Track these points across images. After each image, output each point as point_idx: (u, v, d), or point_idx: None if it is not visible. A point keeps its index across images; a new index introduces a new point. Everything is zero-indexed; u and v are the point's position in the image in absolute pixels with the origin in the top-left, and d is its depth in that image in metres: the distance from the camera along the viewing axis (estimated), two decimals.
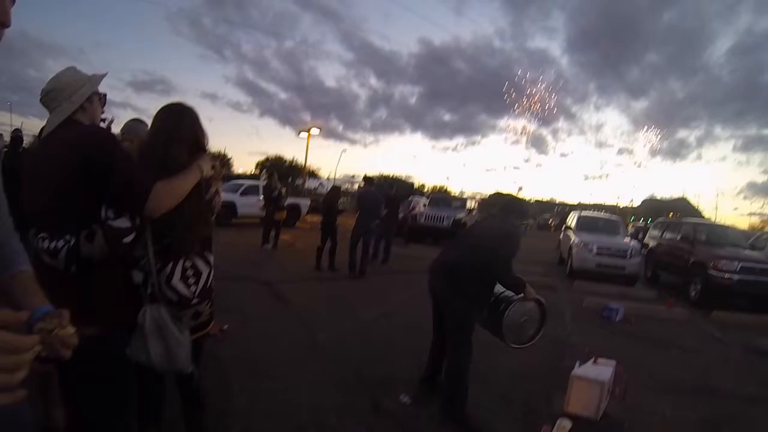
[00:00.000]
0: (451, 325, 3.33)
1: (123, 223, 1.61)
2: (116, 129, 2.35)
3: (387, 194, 10.72)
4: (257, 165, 61.46)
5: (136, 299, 1.78)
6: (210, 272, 1.96)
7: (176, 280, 1.84)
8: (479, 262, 3.21)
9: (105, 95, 1.77)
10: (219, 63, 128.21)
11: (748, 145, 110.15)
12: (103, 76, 1.75)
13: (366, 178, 9.99)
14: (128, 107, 79.18)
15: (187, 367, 1.83)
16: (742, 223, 64.24)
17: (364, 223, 8.77)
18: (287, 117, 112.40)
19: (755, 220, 62.44)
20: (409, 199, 19.34)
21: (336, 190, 10.20)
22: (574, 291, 8.99)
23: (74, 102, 1.62)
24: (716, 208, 67.59)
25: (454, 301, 3.26)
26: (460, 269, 3.28)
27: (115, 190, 1.53)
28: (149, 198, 1.56)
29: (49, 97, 1.62)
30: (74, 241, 1.49)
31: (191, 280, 1.87)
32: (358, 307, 6.29)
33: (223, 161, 56.40)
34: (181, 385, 2.13)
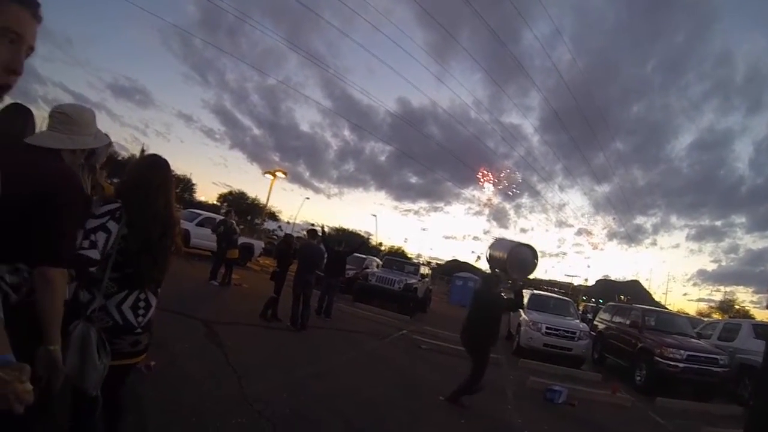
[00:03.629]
0: (479, 356, 5.83)
1: (93, 254, 1.81)
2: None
3: (334, 249, 10.79)
4: (219, 196, 60.54)
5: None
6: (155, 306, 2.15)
7: (126, 307, 2.01)
8: (492, 323, 5.97)
9: (92, 153, 1.90)
10: (200, 86, 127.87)
11: (700, 235, 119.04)
12: (107, 144, 1.91)
13: (309, 231, 10.02)
14: (103, 110, 77.13)
15: (93, 390, 1.92)
16: (691, 308, 67.02)
17: (303, 276, 8.74)
18: (257, 154, 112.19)
19: (703, 306, 65.33)
20: (364, 257, 19.40)
21: (289, 239, 10.17)
22: (519, 369, 9.01)
23: (75, 142, 1.71)
24: (667, 292, 70.72)
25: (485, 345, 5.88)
26: (482, 331, 5.93)
27: (43, 232, 1.47)
28: (51, 279, 1.48)
29: (59, 120, 1.72)
30: None
31: (141, 311, 2.06)
32: (295, 363, 6.16)
33: (186, 185, 55.43)
34: (78, 405, 2.09)
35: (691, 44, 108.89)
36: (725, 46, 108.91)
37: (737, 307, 58.10)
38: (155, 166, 2.21)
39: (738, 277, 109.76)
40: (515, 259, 6.44)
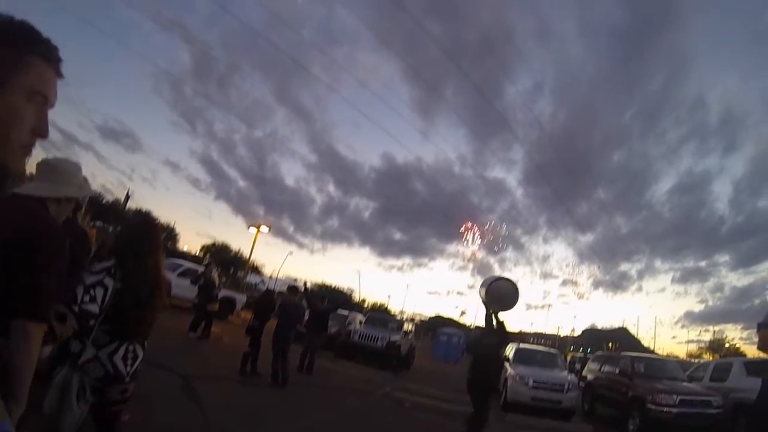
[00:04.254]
0: (483, 399, 6.36)
1: (93, 307, 1.99)
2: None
3: (317, 306, 10.74)
4: (202, 247, 59.82)
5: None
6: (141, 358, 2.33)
7: (118, 358, 2.18)
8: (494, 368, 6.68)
9: (79, 202, 2.02)
10: (189, 134, 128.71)
11: (685, 277, 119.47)
12: (90, 193, 2.04)
13: (290, 288, 10.02)
14: (90, 151, 76.65)
15: None
16: (680, 351, 66.34)
17: (283, 332, 8.64)
18: (241, 206, 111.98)
19: (693, 348, 64.57)
20: (347, 314, 19.19)
21: (269, 294, 10.08)
22: (506, 423, 8.79)
23: (60, 191, 1.76)
24: (655, 337, 70.08)
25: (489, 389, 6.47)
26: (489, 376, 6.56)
27: (23, 283, 1.39)
28: (28, 333, 1.41)
29: (45, 171, 1.79)
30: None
31: (129, 362, 2.23)
32: (275, 421, 5.98)
33: (169, 234, 54.90)
34: None
35: (667, 90, 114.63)
36: (699, 91, 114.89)
37: (727, 345, 57.93)
38: (147, 228, 2.47)
39: (726, 315, 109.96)
40: (495, 293, 6.58)
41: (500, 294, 6.69)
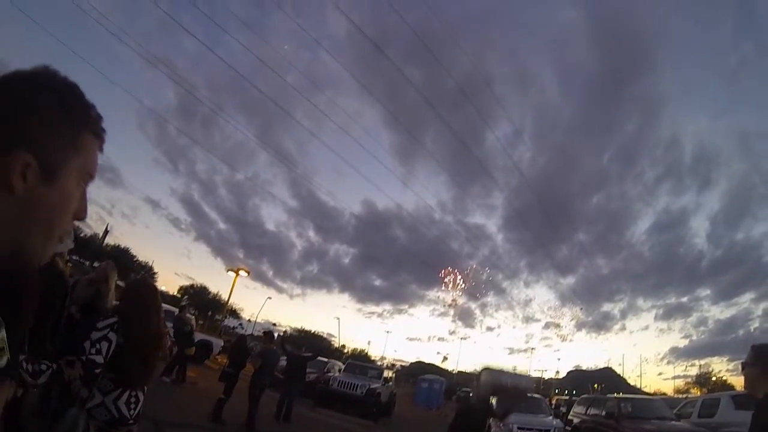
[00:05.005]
0: None
1: (99, 359, 2.29)
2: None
3: (296, 354, 10.71)
4: (180, 288, 58.62)
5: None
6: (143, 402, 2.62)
7: (122, 403, 2.47)
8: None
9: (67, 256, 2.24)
10: (171, 173, 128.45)
11: (668, 313, 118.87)
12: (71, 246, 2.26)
13: (266, 333, 9.98)
14: None
15: None
16: (667, 387, 66.08)
17: (260, 380, 8.53)
18: (221, 249, 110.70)
19: (679, 383, 64.51)
20: (326, 361, 18.90)
21: (243, 340, 9.93)
22: None
23: None
24: (641, 375, 69.27)
25: None
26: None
27: None
28: None
29: None
30: (57, 366, 1.96)
31: (132, 406, 2.52)
32: None
33: (147, 272, 53.68)
34: None
35: (642, 132, 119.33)
36: (673, 131, 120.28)
37: (714, 378, 57.57)
38: (148, 294, 2.79)
39: (711, 348, 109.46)
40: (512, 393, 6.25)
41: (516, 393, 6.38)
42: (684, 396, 18.28)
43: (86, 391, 2.43)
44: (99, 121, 0.69)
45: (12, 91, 0.60)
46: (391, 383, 18.30)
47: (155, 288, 2.90)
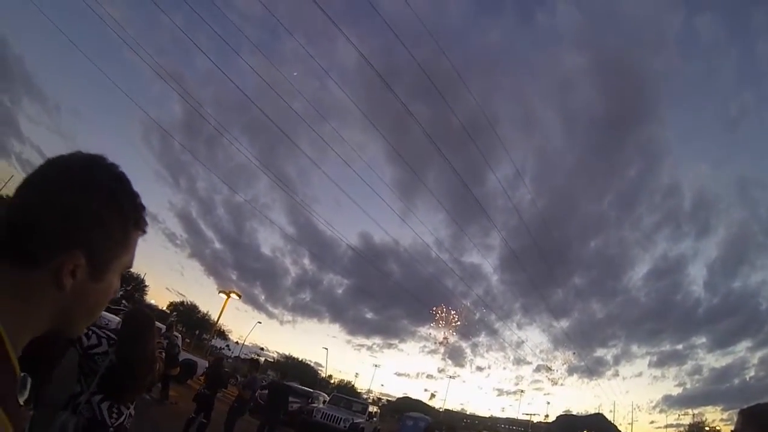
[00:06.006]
0: None
1: (99, 349, 2.66)
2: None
3: (279, 382, 10.81)
4: (170, 304, 58.02)
5: None
6: (127, 415, 2.71)
7: (104, 407, 2.58)
8: None
9: None
10: (171, 187, 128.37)
11: (663, 361, 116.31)
12: None
13: (252, 361, 10.02)
14: None
15: None
16: None
17: (243, 408, 8.59)
18: (214, 268, 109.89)
19: None
20: (311, 391, 18.65)
21: (219, 362, 9.82)
22: None
23: None
24: (632, 422, 67.23)
25: None
26: None
27: None
28: None
29: None
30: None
31: (114, 415, 2.62)
32: None
33: (138, 285, 53.18)
34: None
35: (642, 178, 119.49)
36: (673, 178, 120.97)
37: (708, 429, 56.09)
38: (145, 324, 2.91)
39: (705, 397, 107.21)
40: None
41: None
42: None
43: (78, 386, 2.58)
44: (144, 214, 0.72)
45: (69, 192, 0.63)
46: (375, 419, 17.97)
47: (152, 319, 3.01)
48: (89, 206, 0.63)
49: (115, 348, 2.66)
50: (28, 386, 0.62)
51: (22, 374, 0.60)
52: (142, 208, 0.72)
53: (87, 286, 0.64)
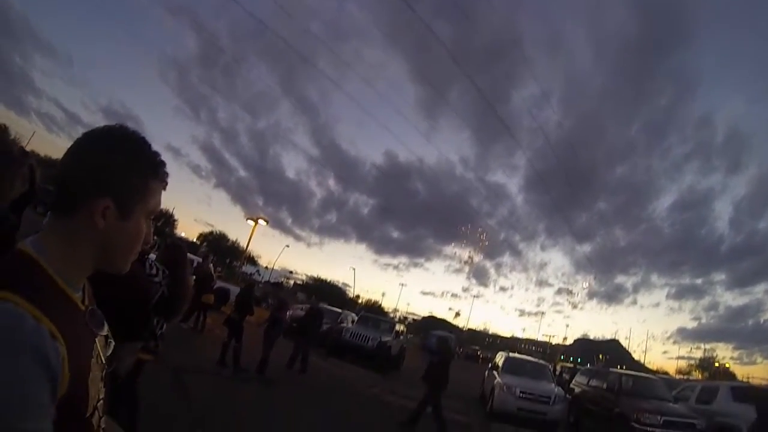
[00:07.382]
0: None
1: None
2: None
3: (312, 306, 11.29)
4: (200, 235, 59.89)
5: None
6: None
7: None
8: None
9: None
10: (192, 121, 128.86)
11: (681, 293, 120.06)
12: None
13: (276, 285, 10.31)
14: None
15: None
16: (670, 366, 67.24)
17: (279, 329, 9.15)
18: (241, 196, 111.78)
19: (683, 364, 65.56)
20: (340, 311, 19.37)
21: (250, 287, 10.17)
22: None
23: None
24: (646, 351, 70.49)
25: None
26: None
27: None
28: None
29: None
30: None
31: (158, 328, 3.29)
32: (265, 422, 6.07)
33: (168, 219, 54.94)
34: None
35: (674, 107, 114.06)
36: (706, 109, 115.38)
37: (717, 364, 58.13)
38: (183, 253, 3.46)
39: (718, 334, 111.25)
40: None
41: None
42: (685, 378, 18.28)
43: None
44: (163, 169, 0.87)
45: (97, 149, 0.80)
46: (401, 337, 18.72)
47: (185, 250, 3.54)
48: (114, 162, 0.79)
49: (164, 276, 2.98)
50: (101, 319, 0.84)
51: (90, 307, 0.81)
52: (160, 161, 0.87)
53: (118, 224, 0.80)
